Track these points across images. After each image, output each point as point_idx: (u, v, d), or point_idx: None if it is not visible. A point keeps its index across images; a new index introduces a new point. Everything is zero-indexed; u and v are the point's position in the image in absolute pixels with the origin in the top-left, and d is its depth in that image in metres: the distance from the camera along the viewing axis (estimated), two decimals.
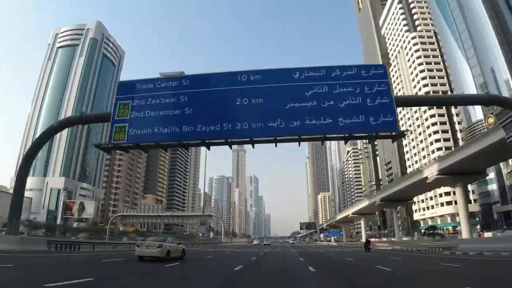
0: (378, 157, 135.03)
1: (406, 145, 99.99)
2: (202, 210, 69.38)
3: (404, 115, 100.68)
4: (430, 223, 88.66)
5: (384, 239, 78.28)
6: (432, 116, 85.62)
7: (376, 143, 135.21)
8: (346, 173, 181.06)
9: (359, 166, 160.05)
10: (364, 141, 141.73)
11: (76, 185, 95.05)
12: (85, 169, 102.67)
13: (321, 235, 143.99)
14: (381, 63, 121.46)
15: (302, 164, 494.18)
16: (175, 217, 68.92)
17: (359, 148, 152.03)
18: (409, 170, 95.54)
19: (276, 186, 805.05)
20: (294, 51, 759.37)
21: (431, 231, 56.65)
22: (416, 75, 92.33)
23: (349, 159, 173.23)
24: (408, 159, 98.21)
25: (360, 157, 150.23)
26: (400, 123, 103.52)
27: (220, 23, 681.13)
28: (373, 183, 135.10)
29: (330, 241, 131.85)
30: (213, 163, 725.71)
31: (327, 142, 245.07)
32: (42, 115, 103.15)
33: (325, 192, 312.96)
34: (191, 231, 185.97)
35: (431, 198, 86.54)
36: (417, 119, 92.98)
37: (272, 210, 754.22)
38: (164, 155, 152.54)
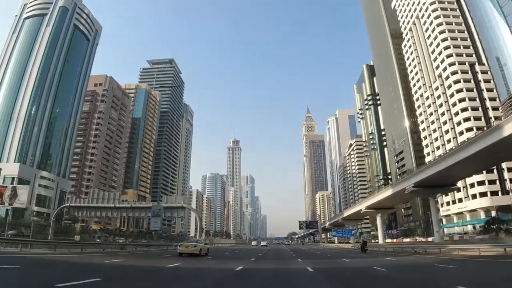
0: (386, 148, 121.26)
1: (423, 130, 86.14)
2: (174, 200, 54.54)
3: (422, 95, 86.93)
4: (455, 220, 74.95)
5: (407, 240, 64.16)
6: (459, 91, 71.75)
7: (384, 133, 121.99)
8: (348, 168, 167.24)
9: (363, 160, 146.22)
10: (370, 130, 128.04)
11: (35, 174, 79.78)
12: (48, 156, 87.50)
13: (323, 235, 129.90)
14: (390, 40, 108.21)
15: (299, 164, 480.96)
16: (137, 209, 53.98)
17: (364, 139, 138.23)
18: (427, 159, 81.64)
19: (272, 186, 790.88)
20: (291, 40, 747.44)
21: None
22: (437, 46, 78.61)
23: (351, 153, 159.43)
24: (427, 146, 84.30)
25: (365, 149, 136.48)
26: (415, 96, 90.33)
27: (217, 6, 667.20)
28: (380, 177, 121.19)
29: (333, 242, 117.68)
30: (207, 160, 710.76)
31: (327, 137, 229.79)
32: (0, 94, 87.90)
33: (324, 191, 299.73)
34: (180, 230, 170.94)
35: (457, 190, 72.71)
36: (438, 97, 79.17)
37: (268, 211, 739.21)
38: (148, 147, 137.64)
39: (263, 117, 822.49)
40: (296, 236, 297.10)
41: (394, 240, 71.62)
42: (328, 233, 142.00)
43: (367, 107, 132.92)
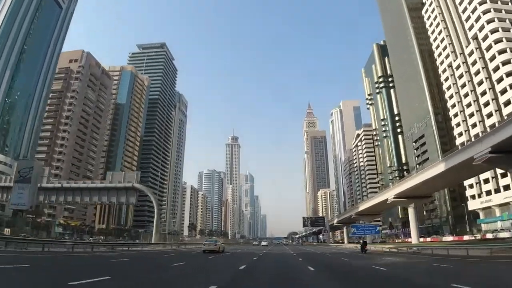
0: (400, 136, 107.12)
1: (453, 106, 71.94)
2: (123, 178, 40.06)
3: (450, 65, 72.73)
4: (482, 216, 61.02)
5: (450, 238, 49.92)
6: (502, 52, 57.61)
7: (398, 118, 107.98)
8: (355, 161, 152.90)
9: (372, 152, 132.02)
10: (382, 116, 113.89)
11: None
12: (4, 136, 73.64)
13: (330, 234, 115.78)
14: (406, 11, 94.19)
15: (299, 162, 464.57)
16: (87, 191, 39.59)
17: (374, 127, 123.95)
18: (459, 141, 67.59)
19: (272, 186, 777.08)
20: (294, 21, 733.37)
21: None
22: (473, 11, 64.41)
23: (358, 144, 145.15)
24: (458, 125, 70.16)
25: (376, 138, 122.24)
26: (441, 68, 75.72)
27: None
28: (393, 168, 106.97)
29: (338, 242, 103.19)
30: (205, 158, 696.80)
31: (331, 130, 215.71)
32: None
33: (326, 188, 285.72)
34: (172, 229, 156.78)
35: (485, 181, 59.00)
36: (473, 63, 65.04)
37: (268, 211, 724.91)
38: (134, 135, 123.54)
39: (262, 115, 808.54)
40: (297, 236, 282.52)
41: (428, 239, 57.24)
42: (331, 232, 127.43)
43: (378, 90, 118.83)
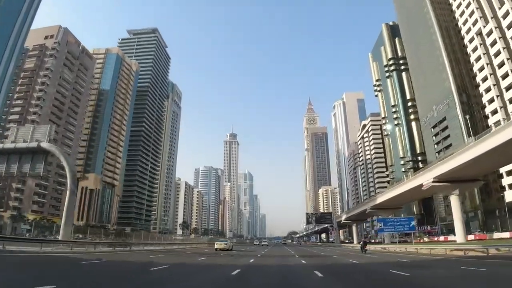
0: (414, 123, 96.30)
1: (484, 79, 61.02)
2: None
3: (480, 32, 61.82)
4: None
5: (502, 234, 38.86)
6: None
7: (411, 104, 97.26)
8: (360, 155, 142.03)
9: (380, 143, 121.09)
10: (393, 102, 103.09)
11: None
12: None
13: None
14: None
15: (299, 160, 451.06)
16: None
17: (383, 116, 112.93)
18: (493, 120, 56.68)
19: (272, 185, 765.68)
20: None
21: None
22: None
23: (365, 135, 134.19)
24: (491, 101, 59.27)
25: (385, 127, 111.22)
26: (467, 37, 63.72)
27: None
28: (407, 159, 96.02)
29: (347, 242, 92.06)
30: (204, 154, 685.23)
31: (333, 123, 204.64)
32: None
33: (327, 186, 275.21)
34: (163, 227, 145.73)
35: None
36: (509, 27, 54.17)
37: (267, 210, 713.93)
38: (119, 124, 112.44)
39: (262, 114, 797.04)
40: (297, 236, 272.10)
41: (472, 237, 45.86)
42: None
43: (387, 74, 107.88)
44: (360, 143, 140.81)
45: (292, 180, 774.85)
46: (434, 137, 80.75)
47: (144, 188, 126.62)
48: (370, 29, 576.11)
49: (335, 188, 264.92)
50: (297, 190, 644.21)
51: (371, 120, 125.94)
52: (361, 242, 35.06)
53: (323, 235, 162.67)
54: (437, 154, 78.91)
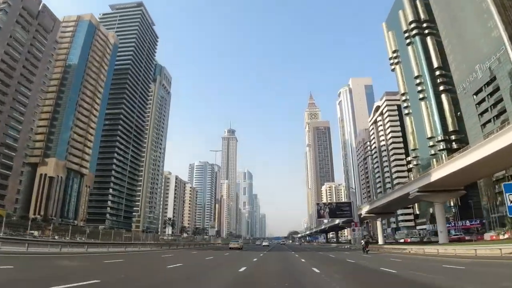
0: (444, 95, 79.11)
1: None
2: None
3: None
4: None
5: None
6: None
7: (440, 73, 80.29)
8: (372, 142, 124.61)
9: (398, 125, 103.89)
10: (417, 72, 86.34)
11: None
12: None
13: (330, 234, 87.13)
14: None
15: (300, 159, 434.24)
16: None
17: (403, 91, 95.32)
18: None
19: (272, 184, 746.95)
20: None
21: None
22: None
23: (378, 119, 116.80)
24: None
25: (406, 104, 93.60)
26: None
27: None
28: (438, 138, 78.49)
29: (374, 242, 74.48)
30: (201, 152, 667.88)
31: (338, 113, 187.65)
32: None
33: (331, 182, 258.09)
34: (149, 226, 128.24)
35: None
36: None
37: (268, 210, 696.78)
38: (90, 102, 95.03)
39: (262, 113, 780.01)
40: (298, 236, 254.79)
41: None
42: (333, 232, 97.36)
43: (408, 41, 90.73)
44: (372, 128, 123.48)
45: (293, 180, 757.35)
46: (477, 106, 63.53)
47: (124, 180, 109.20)
48: (374, 17, 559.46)
49: (339, 185, 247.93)
50: (298, 190, 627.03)
51: (386, 100, 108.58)
52: (363, 242, 33.70)
53: (330, 234, 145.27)
54: (482, 126, 61.90)
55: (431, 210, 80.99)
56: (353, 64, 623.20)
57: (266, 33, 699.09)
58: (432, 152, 79.00)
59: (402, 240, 63.77)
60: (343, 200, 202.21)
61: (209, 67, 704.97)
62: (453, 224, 71.00)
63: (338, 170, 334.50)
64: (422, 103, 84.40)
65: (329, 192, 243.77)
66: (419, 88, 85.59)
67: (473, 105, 64.51)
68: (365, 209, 60.93)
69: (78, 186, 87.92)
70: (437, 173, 34.63)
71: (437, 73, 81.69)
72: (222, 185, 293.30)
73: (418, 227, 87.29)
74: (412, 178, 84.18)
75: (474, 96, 64.13)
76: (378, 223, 61.92)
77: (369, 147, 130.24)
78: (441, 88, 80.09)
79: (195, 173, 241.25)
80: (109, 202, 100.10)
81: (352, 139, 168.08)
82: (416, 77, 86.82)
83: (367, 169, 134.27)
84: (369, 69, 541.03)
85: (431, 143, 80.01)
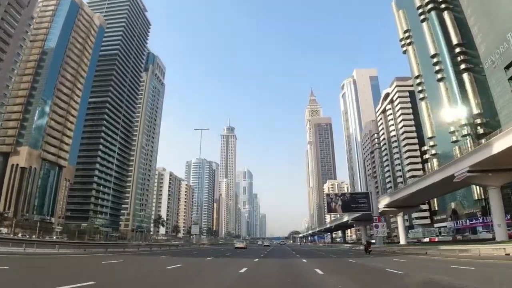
0: (467, 75, 69.93)
1: None
2: None
3: None
4: None
5: None
6: None
7: (460, 50, 71.40)
8: (381, 133, 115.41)
9: (410, 113, 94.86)
10: (433, 51, 77.29)
11: None
12: None
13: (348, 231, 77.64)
14: None
15: (301, 158, 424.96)
16: None
17: (417, 74, 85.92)
18: None
19: (272, 184, 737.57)
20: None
21: None
22: None
23: (387, 107, 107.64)
24: None
25: (420, 88, 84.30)
26: None
27: None
28: (462, 123, 69.14)
29: (397, 242, 64.86)
30: (197, 150, 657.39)
31: (342, 106, 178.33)
32: None
33: (333, 180, 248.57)
34: (140, 225, 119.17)
35: None
36: None
37: (268, 210, 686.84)
38: (71, 87, 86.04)
39: (261, 113, 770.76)
40: (300, 235, 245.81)
41: None
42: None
43: (423, 17, 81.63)
44: (381, 118, 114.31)
45: (293, 180, 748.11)
46: (510, 81, 54.42)
47: (110, 175, 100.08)
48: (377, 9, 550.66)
49: (342, 182, 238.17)
50: (299, 190, 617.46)
51: (397, 86, 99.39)
52: (365, 242, 34.49)
53: (333, 234, 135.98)
54: None
55: (452, 205, 72.00)
56: (355, 60, 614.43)
57: (266, 30, 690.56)
58: (454, 139, 69.83)
59: (426, 240, 54.68)
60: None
61: (209, 66, 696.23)
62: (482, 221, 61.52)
63: (341, 168, 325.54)
64: (441, 84, 75.21)
65: (332, 190, 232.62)
66: (437, 68, 76.44)
67: (505, 81, 55.41)
68: (383, 202, 51.54)
69: (55, 179, 78.80)
70: (504, 142, 24.71)
71: (457, 50, 72.57)
72: (221, 183, 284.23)
73: (436, 225, 78.08)
74: (430, 170, 75.23)
75: (505, 70, 55.08)
76: (399, 219, 52.44)
77: (376, 140, 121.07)
78: (462, 66, 70.95)
79: (192, 171, 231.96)
80: (92, 199, 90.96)
81: (357, 133, 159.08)
82: (433, 56, 77.70)
83: (374, 163, 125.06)
84: (372, 62, 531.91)
85: (452, 129, 70.82)
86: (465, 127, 67.62)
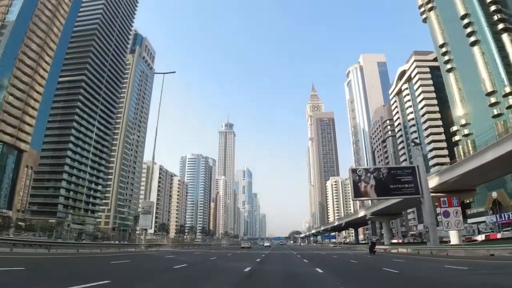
0: (507, 35, 57.10)
1: None
2: None
3: None
4: None
5: None
6: None
7: (495, 8, 58.25)
8: (396, 119, 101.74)
9: (432, 91, 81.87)
10: (463, 11, 63.92)
11: None
12: None
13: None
14: None
15: (300, 160, 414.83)
16: None
17: (443, 41, 72.87)
18: None
19: (272, 184, 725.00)
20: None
21: None
22: None
23: (404, 87, 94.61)
24: None
25: (447, 58, 71.18)
26: None
27: None
28: (503, 92, 56.26)
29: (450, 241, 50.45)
30: (199, 149, 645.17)
31: (347, 94, 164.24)
32: None
33: (337, 177, 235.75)
34: (123, 223, 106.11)
35: None
36: None
37: (268, 210, 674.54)
38: (35, 58, 72.92)
39: (262, 113, 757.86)
40: (301, 235, 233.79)
41: None
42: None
43: None
44: (395, 101, 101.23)
45: (294, 179, 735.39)
46: None
47: (85, 164, 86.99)
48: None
49: (346, 179, 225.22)
50: (299, 190, 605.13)
51: (415, 61, 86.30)
52: (369, 243, 31.80)
53: (344, 233, 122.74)
54: None
55: (494, 194, 58.89)
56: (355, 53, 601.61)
57: (265, 26, 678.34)
58: (495, 112, 56.94)
59: (479, 238, 41.73)
60: (352, 199, 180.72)
61: (209, 61, 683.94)
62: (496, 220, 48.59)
63: (344, 165, 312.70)
64: (475, 48, 62.25)
65: (335, 188, 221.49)
66: (468, 30, 63.50)
67: None
68: (430, 183, 36.87)
69: (13, 165, 65.80)
70: None
71: (493, 8, 59.98)
72: (218, 181, 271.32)
73: (470, 220, 65.01)
74: (462, 154, 62.28)
75: None
76: (451, 210, 38.60)
77: (389, 127, 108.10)
78: (500, 26, 58.24)
79: (187, 167, 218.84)
80: (62, 191, 77.84)
81: (365, 123, 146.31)
82: (463, 17, 64.83)
83: (386, 153, 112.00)
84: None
85: (492, 100, 57.84)
86: (510, 96, 54.73)
